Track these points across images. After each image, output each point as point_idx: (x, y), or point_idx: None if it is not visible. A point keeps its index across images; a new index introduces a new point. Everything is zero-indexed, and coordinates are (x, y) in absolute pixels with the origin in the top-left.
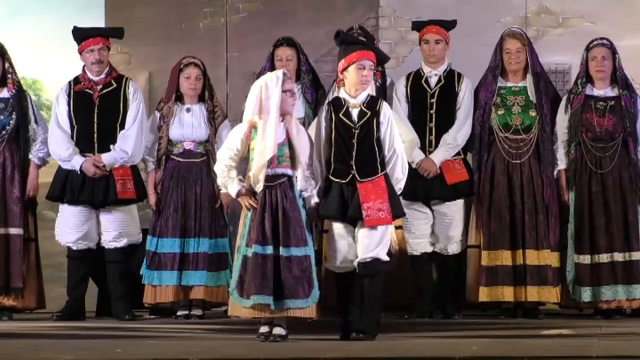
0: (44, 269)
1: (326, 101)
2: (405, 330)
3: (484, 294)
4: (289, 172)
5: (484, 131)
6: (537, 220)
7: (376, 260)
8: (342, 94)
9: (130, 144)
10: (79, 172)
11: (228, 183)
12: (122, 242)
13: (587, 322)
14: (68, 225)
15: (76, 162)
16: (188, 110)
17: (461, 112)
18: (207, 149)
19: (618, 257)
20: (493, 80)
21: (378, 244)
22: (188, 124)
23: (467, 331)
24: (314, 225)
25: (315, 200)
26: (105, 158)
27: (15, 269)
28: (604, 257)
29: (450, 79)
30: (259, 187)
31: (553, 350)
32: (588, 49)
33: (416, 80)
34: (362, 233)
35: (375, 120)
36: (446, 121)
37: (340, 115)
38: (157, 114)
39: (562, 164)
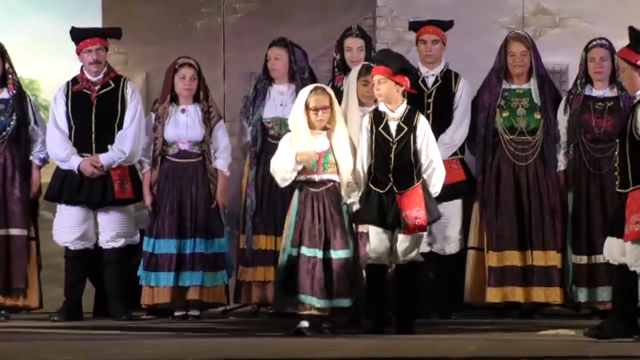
0: (42, 269)
1: (370, 110)
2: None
3: (493, 295)
4: (335, 177)
5: (489, 133)
6: (544, 221)
7: (413, 263)
8: (382, 107)
9: (128, 144)
10: (76, 172)
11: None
12: (119, 243)
13: (584, 322)
14: (66, 226)
15: (74, 162)
16: (183, 110)
17: (458, 112)
18: (203, 150)
19: None
20: (497, 83)
21: (414, 248)
22: (183, 125)
23: (464, 331)
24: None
25: (356, 206)
26: (103, 158)
27: (18, 269)
28: (601, 258)
29: (447, 79)
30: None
31: (551, 351)
32: (587, 49)
33: (413, 80)
34: (400, 238)
35: (412, 135)
36: (443, 121)
37: (380, 128)
38: (153, 115)
39: (561, 165)
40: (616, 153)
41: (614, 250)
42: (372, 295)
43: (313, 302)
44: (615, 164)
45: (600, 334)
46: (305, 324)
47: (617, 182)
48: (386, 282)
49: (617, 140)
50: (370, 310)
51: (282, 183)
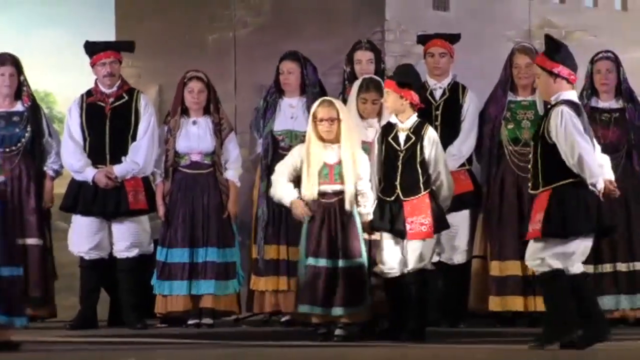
0: (57, 279)
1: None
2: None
3: (495, 304)
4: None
5: (494, 144)
6: None
7: (422, 270)
8: (393, 119)
9: (141, 155)
10: (91, 184)
11: (283, 190)
12: (133, 252)
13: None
14: (81, 235)
15: (88, 173)
16: (194, 122)
17: (465, 124)
18: (214, 161)
19: (621, 267)
20: (503, 95)
21: (424, 257)
22: (194, 136)
23: (472, 340)
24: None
25: (370, 217)
26: (117, 169)
27: (34, 279)
28: (607, 267)
29: (455, 91)
30: (312, 196)
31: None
32: (593, 61)
33: (421, 93)
34: (409, 245)
35: (419, 145)
36: (451, 133)
37: (389, 139)
38: (165, 127)
39: None
40: (530, 156)
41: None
42: (391, 305)
43: (326, 310)
44: (529, 166)
45: (543, 342)
46: (323, 329)
47: (529, 184)
48: (403, 291)
49: (532, 143)
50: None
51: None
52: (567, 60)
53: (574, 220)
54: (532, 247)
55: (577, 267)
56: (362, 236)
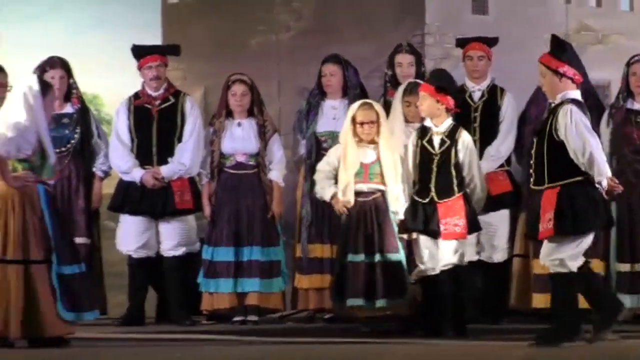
0: (105, 277)
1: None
2: (451, 336)
3: (538, 301)
4: (382, 187)
5: None
6: None
7: (455, 268)
8: (428, 122)
9: (187, 156)
10: (138, 184)
11: (324, 188)
12: (180, 251)
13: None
14: (129, 235)
15: (136, 174)
16: (239, 124)
17: (504, 126)
18: (258, 162)
19: None
20: (544, 97)
21: (454, 254)
22: (239, 138)
23: (511, 337)
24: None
25: (400, 216)
26: (164, 170)
27: None
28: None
29: (493, 93)
30: (348, 198)
31: (598, 356)
32: (629, 64)
33: (460, 95)
34: (442, 245)
35: (454, 148)
36: (489, 134)
37: (424, 142)
38: (210, 129)
39: None
40: (532, 151)
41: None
42: (427, 304)
43: (365, 305)
44: (531, 162)
45: (548, 341)
46: (364, 327)
47: (531, 180)
48: (441, 289)
49: (535, 139)
50: (427, 318)
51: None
52: (572, 60)
53: (585, 216)
54: (548, 247)
55: (580, 260)
56: (398, 235)
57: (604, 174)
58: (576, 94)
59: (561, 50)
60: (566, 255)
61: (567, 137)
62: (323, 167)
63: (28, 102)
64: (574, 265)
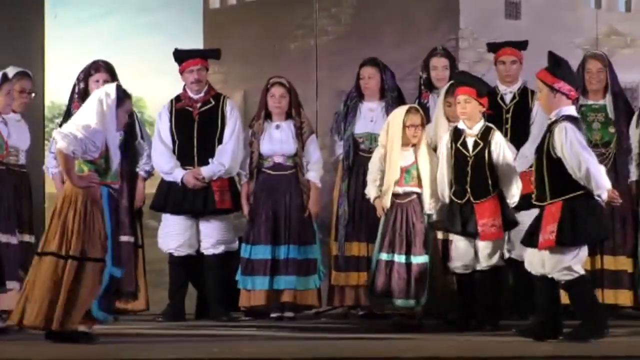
0: (147, 274)
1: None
2: (480, 330)
3: (567, 298)
4: (417, 190)
5: None
6: (615, 228)
7: (493, 267)
8: (461, 124)
9: (227, 157)
10: (180, 184)
11: (370, 190)
12: (219, 249)
13: None
14: (170, 233)
15: (177, 174)
16: (277, 126)
17: (535, 127)
18: (296, 162)
19: None
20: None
21: (494, 254)
22: (277, 140)
23: None
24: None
25: (435, 217)
26: (205, 171)
27: (127, 273)
28: None
29: (525, 95)
30: (385, 201)
31: (624, 350)
32: None
33: (492, 97)
34: (480, 245)
35: (487, 150)
36: (521, 135)
37: (458, 144)
38: (249, 131)
39: (633, 175)
40: (533, 168)
41: (534, 261)
42: (461, 300)
43: (397, 302)
44: (532, 179)
45: (531, 334)
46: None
47: (533, 196)
48: (475, 286)
49: (535, 157)
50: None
51: None
52: (567, 77)
53: (585, 228)
54: (552, 260)
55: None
56: (431, 235)
57: (602, 187)
58: (571, 110)
59: (557, 66)
60: (571, 263)
61: (563, 155)
62: (371, 167)
63: (102, 108)
64: (580, 269)
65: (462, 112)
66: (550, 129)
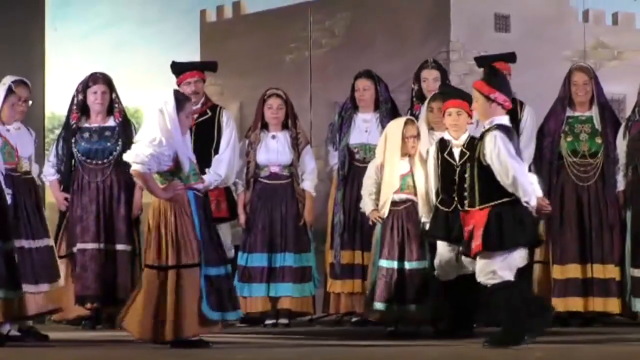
0: None
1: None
2: (470, 337)
3: (557, 305)
4: (412, 197)
5: (554, 157)
6: (603, 237)
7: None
8: (447, 135)
9: (223, 167)
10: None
11: (366, 203)
12: None
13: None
14: None
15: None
16: (273, 137)
17: (524, 137)
18: (292, 172)
19: None
20: (562, 110)
21: (481, 269)
22: (273, 150)
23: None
24: None
25: (428, 225)
26: None
27: (122, 282)
28: None
29: (513, 107)
30: (384, 212)
31: (614, 357)
32: None
33: None
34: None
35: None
36: None
37: (445, 154)
38: (246, 141)
39: (620, 185)
40: (466, 175)
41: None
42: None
43: (386, 307)
44: (465, 185)
45: (498, 343)
46: (391, 327)
47: (465, 202)
48: (456, 292)
49: (468, 164)
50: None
51: None
52: (503, 88)
53: (512, 234)
54: (480, 264)
55: (514, 276)
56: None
57: (529, 195)
58: (504, 120)
59: (493, 78)
60: (497, 267)
61: (492, 162)
62: (366, 181)
63: (163, 117)
64: (507, 274)
65: (454, 124)
66: (482, 137)
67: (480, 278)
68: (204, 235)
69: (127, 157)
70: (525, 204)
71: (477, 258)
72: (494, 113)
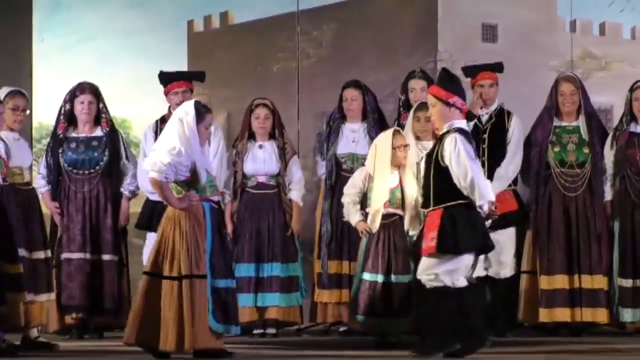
0: (131, 292)
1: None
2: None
3: (544, 315)
4: (400, 212)
5: (541, 166)
6: (591, 247)
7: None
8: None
9: None
10: (165, 203)
11: (351, 213)
12: None
13: (629, 339)
14: None
15: None
16: (260, 147)
17: (511, 147)
18: (279, 182)
19: None
20: (549, 120)
21: (425, 268)
22: (260, 160)
23: (518, 349)
24: None
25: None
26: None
27: (108, 291)
28: None
29: (501, 116)
30: (375, 226)
31: None
32: (632, 89)
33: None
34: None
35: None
36: (497, 155)
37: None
38: (233, 151)
39: (608, 195)
40: (421, 176)
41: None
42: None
43: (371, 320)
44: (420, 186)
45: (424, 352)
46: (378, 337)
47: (420, 202)
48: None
49: (424, 165)
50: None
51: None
52: (460, 92)
53: (466, 238)
54: (426, 263)
55: (461, 281)
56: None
57: (485, 199)
58: (462, 123)
59: (450, 82)
60: (441, 271)
61: (451, 164)
62: (349, 190)
63: (183, 127)
64: (448, 280)
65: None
66: (441, 139)
67: (421, 275)
68: (215, 247)
69: (145, 164)
70: (478, 209)
71: (424, 258)
72: (453, 117)
